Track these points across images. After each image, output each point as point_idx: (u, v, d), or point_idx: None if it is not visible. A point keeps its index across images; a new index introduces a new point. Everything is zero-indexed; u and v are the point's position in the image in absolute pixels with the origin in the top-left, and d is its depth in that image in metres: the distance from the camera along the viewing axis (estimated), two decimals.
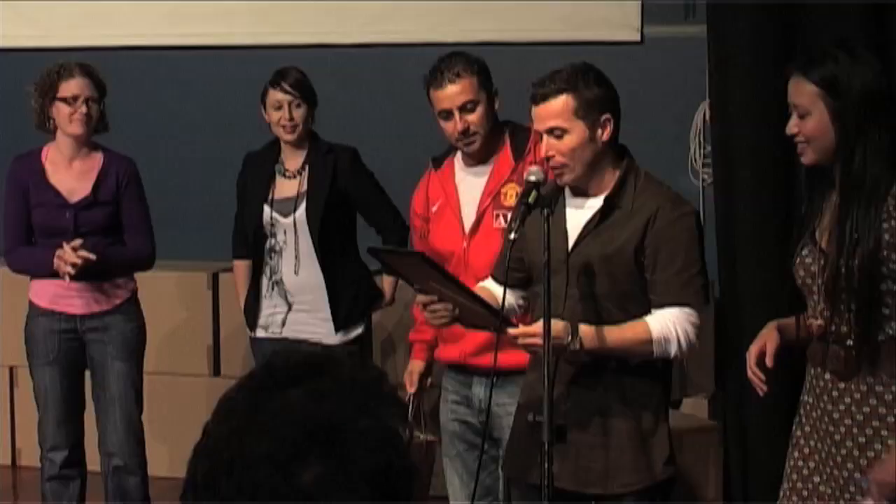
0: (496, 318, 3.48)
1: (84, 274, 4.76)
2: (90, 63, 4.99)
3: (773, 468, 4.71)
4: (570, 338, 3.46)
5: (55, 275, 4.79)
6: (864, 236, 3.25)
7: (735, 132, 4.73)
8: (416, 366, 4.70)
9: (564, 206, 3.69)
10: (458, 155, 4.35)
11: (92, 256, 4.69)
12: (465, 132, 4.20)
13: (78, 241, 4.69)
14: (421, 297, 3.64)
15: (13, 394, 6.11)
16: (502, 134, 4.28)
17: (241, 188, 5.15)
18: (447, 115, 4.22)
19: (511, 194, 4.08)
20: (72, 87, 4.78)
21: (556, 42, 5.57)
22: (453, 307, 3.59)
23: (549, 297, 3.40)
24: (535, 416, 3.41)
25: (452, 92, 4.20)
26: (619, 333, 3.56)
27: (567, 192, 3.69)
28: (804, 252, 3.40)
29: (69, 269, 4.64)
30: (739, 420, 4.87)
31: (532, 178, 3.50)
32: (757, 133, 4.67)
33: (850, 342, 3.30)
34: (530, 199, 3.47)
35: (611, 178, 3.64)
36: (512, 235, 3.47)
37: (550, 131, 3.58)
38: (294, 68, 5.01)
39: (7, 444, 6.60)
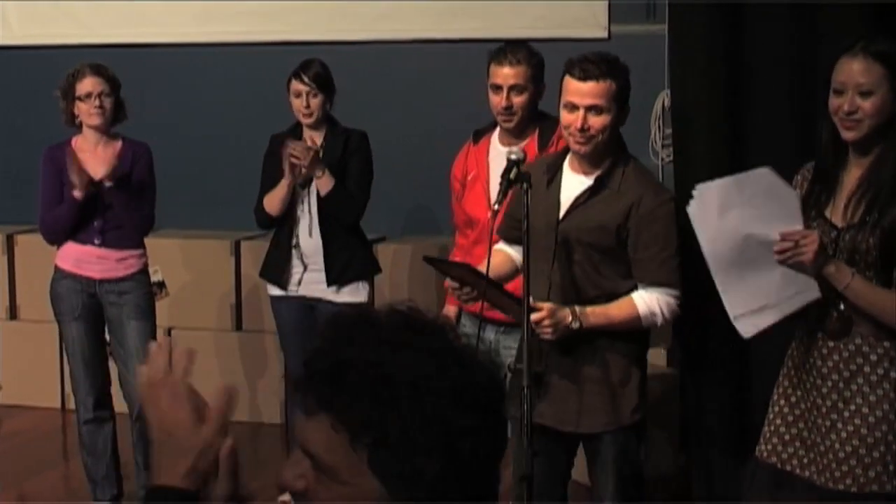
0: (520, 307, 3.44)
1: (94, 209, 4.95)
2: (107, 63, 5.08)
3: (722, 408, 4.78)
4: (571, 318, 3.51)
5: (76, 227, 4.97)
6: (885, 214, 3.20)
7: (691, 117, 4.77)
8: (451, 311, 4.73)
9: (562, 179, 3.72)
10: (495, 134, 4.41)
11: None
12: (508, 109, 4.27)
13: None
14: (451, 283, 3.62)
15: (62, 346, 6.16)
16: (536, 123, 4.31)
17: (266, 164, 5.17)
18: (497, 89, 4.27)
19: None
20: (85, 85, 4.95)
21: (535, 39, 5.59)
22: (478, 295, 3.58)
23: (527, 259, 3.50)
24: (515, 364, 3.46)
25: (508, 73, 4.29)
26: (614, 312, 3.66)
27: (566, 166, 3.73)
28: (813, 225, 3.34)
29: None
30: (692, 368, 4.92)
31: (513, 156, 3.54)
32: (710, 118, 4.70)
33: (842, 306, 3.31)
34: (511, 176, 3.50)
35: (606, 161, 3.67)
36: (496, 207, 3.50)
37: (590, 108, 3.60)
38: (316, 60, 5.04)
39: (58, 390, 6.65)
